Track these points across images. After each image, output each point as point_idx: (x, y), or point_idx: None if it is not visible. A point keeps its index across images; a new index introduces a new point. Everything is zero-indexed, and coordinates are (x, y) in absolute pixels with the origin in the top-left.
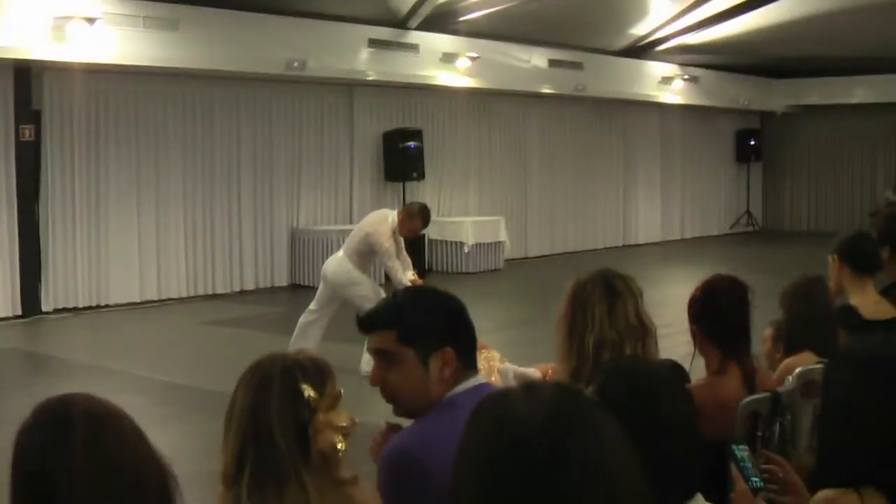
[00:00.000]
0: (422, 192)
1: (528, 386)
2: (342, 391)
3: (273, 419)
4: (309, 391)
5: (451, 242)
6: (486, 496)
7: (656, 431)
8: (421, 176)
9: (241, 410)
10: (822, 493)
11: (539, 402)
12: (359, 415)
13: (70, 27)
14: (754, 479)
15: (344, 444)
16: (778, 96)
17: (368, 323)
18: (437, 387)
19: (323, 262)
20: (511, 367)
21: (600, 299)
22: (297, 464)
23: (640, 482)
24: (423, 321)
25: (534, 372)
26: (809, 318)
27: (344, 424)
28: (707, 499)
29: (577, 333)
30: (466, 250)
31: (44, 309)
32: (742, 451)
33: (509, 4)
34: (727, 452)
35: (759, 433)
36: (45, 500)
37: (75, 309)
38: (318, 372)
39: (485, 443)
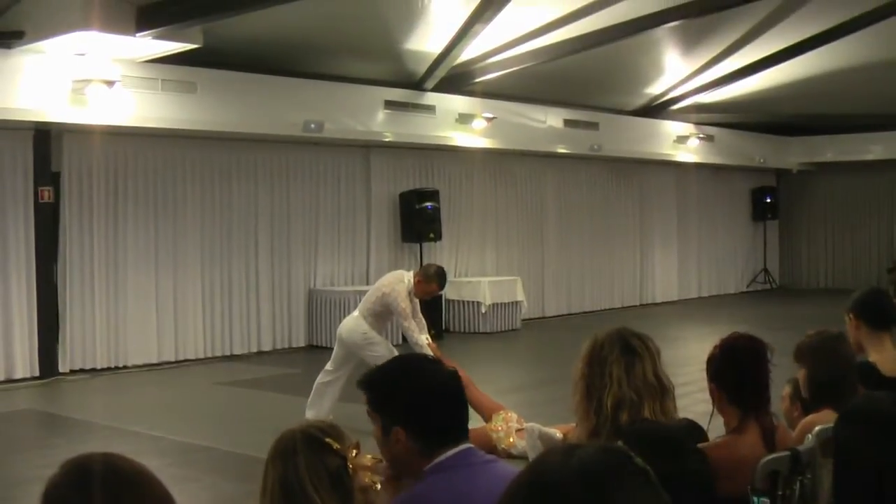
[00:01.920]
0: (439, 252)
1: (575, 444)
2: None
3: (304, 479)
4: (335, 444)
5: (469, 302)
6: None
7: (672, 492)
8: (438, 236)
9: (273, 482)
10: None
11: (577, 456)
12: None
13: (89, 90)
14: None
15: (379, 482)
16: (793, 154)
17: (359, 382)
18: (401, 457)
19: (340, 323)
20: (536, 426)
21: (618, 359)
22: None
23: None
24: (385, 397)
25: (555, 432)
26: (830, 376)
27: (370, 464)
28: None
29: (595, 393)
30: (484, 310)
31: (61, 370)
32: None
33: (525, 65)
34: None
35: (780, 492)
36: None
37: (93, 370)
38: (334, 429)
39: (519, 489)
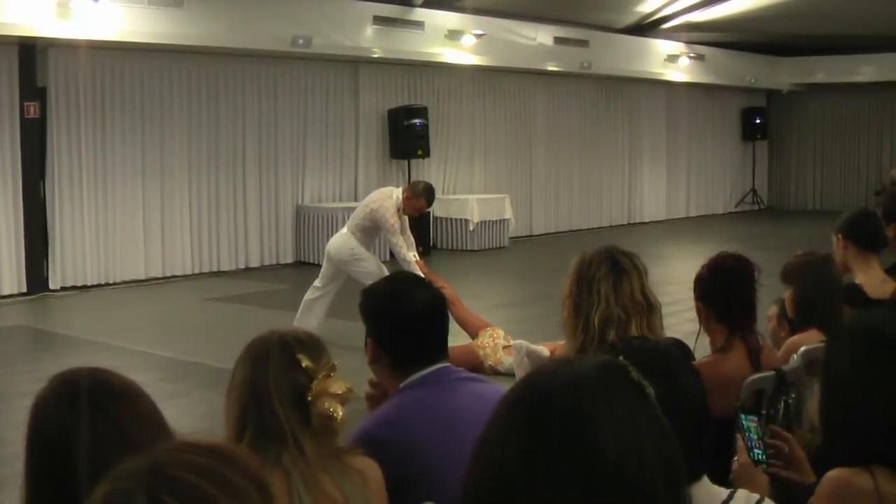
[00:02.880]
0: (427, 169)
1: (572, 357)
2: (336, 364)
3: (271, 387)
4: (305, 361)
5: (456, 220)
6: (500, 437)
7: (666, 411)
8: (426, 153)
9: (241, 382)
10: (834, 473)
11: (568, 368)
12: (360, 389)
13: (75, 4)
14: (757, 451)
15: (341, 412)
16: (784, 74)
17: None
18: (374, 364)
19: (328, 239)
20: (524, 344)
21: (605, 276)
22: (294, 430)
23: (656, 466)
24: (365, 308)
25: (543, 350)
26: (816, 297)
27: (340, 392)
28: (710, 473)
29: (582, 311)
30: (471, 228)
31: (50, 286)
32: (750, 422)
33: None
34: (736, 421)
35: (764, 411)
36: (62, 468)
37: (84, 287)
38: (313, 344)
39: (507, 404)
